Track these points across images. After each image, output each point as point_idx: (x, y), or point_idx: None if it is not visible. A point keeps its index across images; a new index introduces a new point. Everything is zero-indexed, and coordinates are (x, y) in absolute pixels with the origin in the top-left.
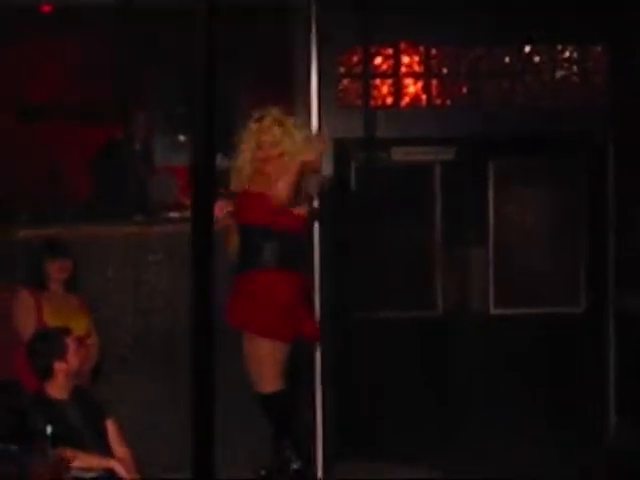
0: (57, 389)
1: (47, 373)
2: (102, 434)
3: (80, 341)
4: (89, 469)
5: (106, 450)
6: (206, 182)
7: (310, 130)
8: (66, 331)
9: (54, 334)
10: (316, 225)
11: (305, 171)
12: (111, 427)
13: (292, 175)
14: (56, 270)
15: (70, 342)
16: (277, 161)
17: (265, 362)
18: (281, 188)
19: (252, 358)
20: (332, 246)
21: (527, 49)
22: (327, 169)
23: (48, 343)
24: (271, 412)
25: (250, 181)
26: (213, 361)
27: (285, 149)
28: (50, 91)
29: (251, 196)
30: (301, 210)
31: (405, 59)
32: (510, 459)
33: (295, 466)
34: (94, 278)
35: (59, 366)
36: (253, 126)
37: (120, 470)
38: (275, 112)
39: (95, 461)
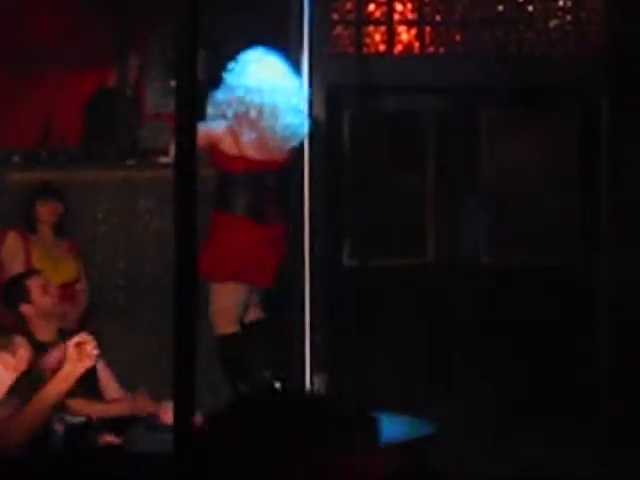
0: (38, 331)
1: (20, 318)
2: (91, 376)
3: (63, 286)
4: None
5: (95, 392)
6: (189, 127)
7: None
8: (30, 273)
9: (17, 279)
10: (307, 173)
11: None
12: (101, 369)
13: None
14: (46, 213)
15: (33, 283)
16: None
17: (219, 305)
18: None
19: (211, 301)
20: (323, 194)
21: None
22: (319, 115)
23: (14, 288)
24: (222, 354)
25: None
26: (196, 307)
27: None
28: (44, 38)
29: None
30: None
31: (398, 6)
32: (500, 411)
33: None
34: (85, 222)
35: (26, 309)
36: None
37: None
38: (249, 54)
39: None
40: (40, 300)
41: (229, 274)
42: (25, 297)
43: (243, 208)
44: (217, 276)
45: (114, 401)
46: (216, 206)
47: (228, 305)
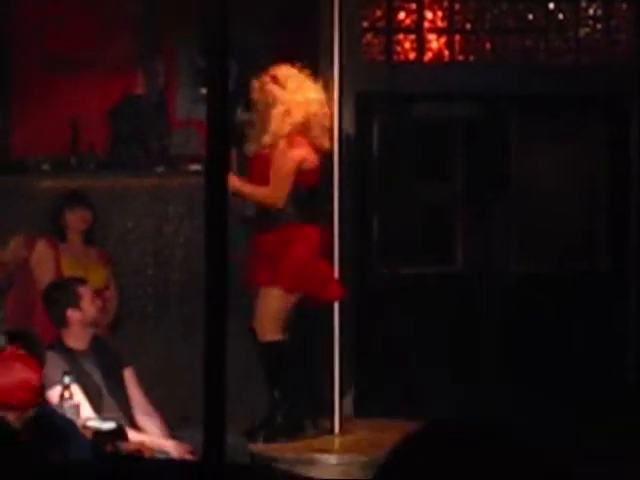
0: (73, 339)
1: (62, 322)
2: (119, 384)
3: (97, 292)
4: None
5: (123, 400)
6: (221, 135)
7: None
8: (81, 281)
9: (68, 283)
10: (337, 180)
11: (311, 127)
12: (128, 376)
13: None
14: (75, 220)
15: (84, 291)
16: (274, 118)
17: (270, 312)
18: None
19: (260, 307)
20: (353, 202)
21: (551, 6)
22: (349, 124)
23: (62, 292)
24: (266, 361)
25: (257, 141)
26: (227, 315)
27: (278, 107)
28: (73, 41)
29: (261, 158)
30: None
31: (428, 14)
32: (532, 416)
33: (279, 418)
34: (114, 230)
35: (73, 315)
36: (254, 83)
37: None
38: (281, 69)
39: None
40: (88, 308)
41: (303, 286)
42: (74, 302)
43: (314, 218)
44: (294, 287)
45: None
46: (293, 220)
47: (278, 312)
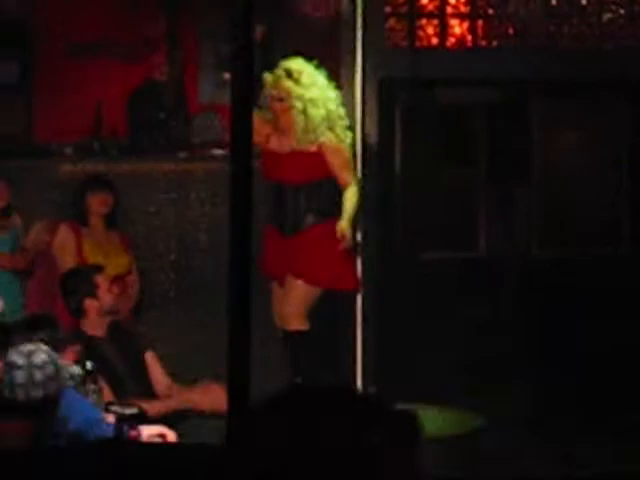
0: (91, 326)
1: (79, 310)
2: (141, 368)
3: (119, 277)
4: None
5: (145, 384)
6: (245, 119)
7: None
8: (97, 268)
9: (85, 271)
10: (360, 166)
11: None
12: (150, 360)
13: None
14: (97, 204)
15: (101, 280)
16: (287, 115)
17: (296, 302)
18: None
19: (287, 297)
20: (376, 188)
21: None
22: (372, 109)
23: (79, 281)
24: (291, 349)
25: (269, 138)
26: (250, 300)
27: (292, 103)
28: (96, 26)
29: (281, 157)
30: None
31: None
32: (551, 406)
33: None
34: (136, 215)
35: (90, 303)
36: (267, 78)
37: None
38: (294, 62)
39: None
40: (105, 297)
41: (327, 279)
42: (91, 291)
43: (336, 210)
44: (319, 281)
45: (166, 397)
46: (327, 215)
47: (304, 302)
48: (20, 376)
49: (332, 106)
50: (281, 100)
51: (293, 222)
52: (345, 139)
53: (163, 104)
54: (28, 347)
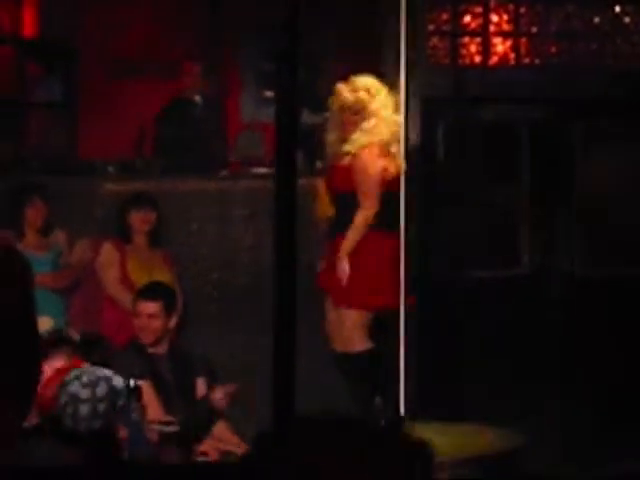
0: (144, 337)
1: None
2: (191, 390)
3: None
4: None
5: (194, 407)
6: (290, 138)
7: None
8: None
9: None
10: (403, 185)
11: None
12: (200, 386)
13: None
14: (140, 221)
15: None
16: (364, 129)
17: (354, 323)
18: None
19: (342, 320)
20: (420, 206)
21: (617, 9)
22: (415, 128)
23: None
24: (362, 370)
25: (337, 150)
26: (295, 317)
27: (369, 118)
28: (138, 45)
29: (341, 167)
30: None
31: (494, 17)
32: (596, 421)
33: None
34: (178, 232)
35: None
36: (341, 89)
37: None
38: (364, 79)
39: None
40: (175, 318)
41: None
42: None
43: (394, 226)
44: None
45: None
46: (378, 228)
47: (362, 320)
48: (84, 410)
49: (395, 128)
50: (356, 113)
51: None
52: (400, 163)
53: (206, 122)
54: (89, 376)
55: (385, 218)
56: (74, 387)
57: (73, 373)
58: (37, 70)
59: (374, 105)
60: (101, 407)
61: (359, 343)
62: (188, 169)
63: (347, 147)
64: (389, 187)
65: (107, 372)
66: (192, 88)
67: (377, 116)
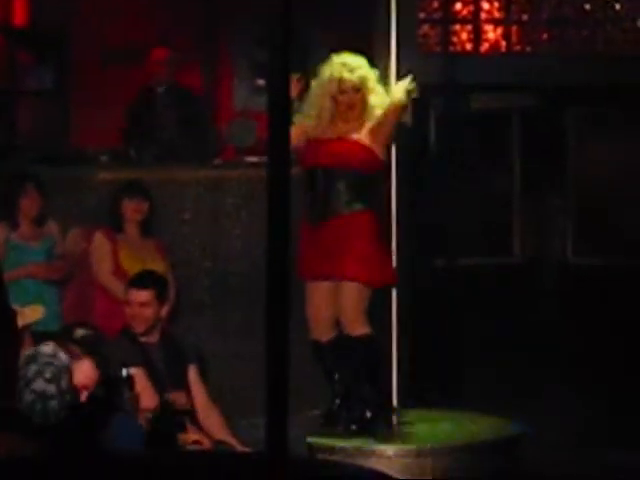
0: (137, 326)
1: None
2: (183, 380)
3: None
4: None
5: (185, 393)
6: (282, 126)
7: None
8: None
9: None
10: (394, 172)
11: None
12: (192, 374)
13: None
14: (132, 211)
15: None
16: (361, 107)
17: (359, 305)
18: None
19: (345, 302)
20: (410, 193)
21: None
22: (406, 115)
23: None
24: (361, 355)
25: (329, 126)
26: (288, 308)
27: (369, 95)
28: (130, 34)
29: (338, 141)
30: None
31: (485, 5)
32: (593, 412)
33: (368, 414)
34: (171, 221)
35: None
36: (335, 63)
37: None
38: (356, 58)
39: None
40: (167, 306)
41: (378, 276)
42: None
43: (379, 205)
44: (372, 280)
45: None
46: (366, 207)
47: (364, 303)
48: (53, 405)
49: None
50: (358, 90)
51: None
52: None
53: (199, 110)
54: (51, 370)
55: (375, 200)
56: (39, 384)
57: (26, 357)
58: (28, 59)
59: (372, 81)
60: (67, 398)
61: (363, 326)
62: (181, 157)
63: (344, 126)
64: (371, 165)
65: (51, 352)
66: (161, 76)
67: (376, 92)
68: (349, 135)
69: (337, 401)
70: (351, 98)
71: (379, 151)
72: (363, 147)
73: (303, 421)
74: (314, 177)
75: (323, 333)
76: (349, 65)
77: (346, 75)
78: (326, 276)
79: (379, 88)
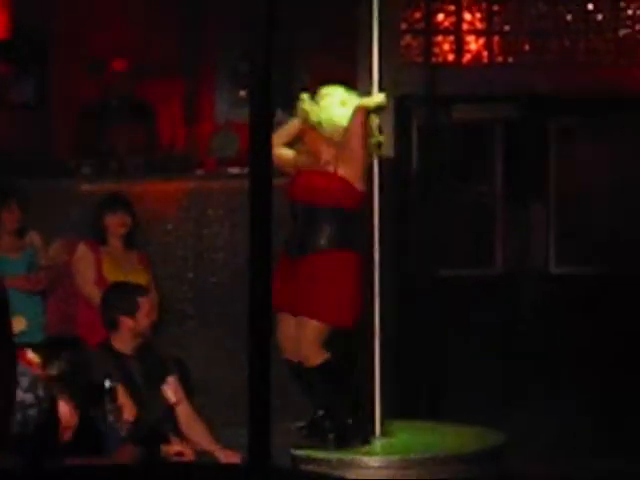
0: (121, 343)
1: (112, 325)
2: (161, 391)
3: (154, 304)
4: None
5: (164, 406)
6: (264, 138)
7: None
8: (143, 290)
9: (130, 289)
10: (376, 182)
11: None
12: (172, 384)
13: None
14: (116, 224)
15: (143, 302)
16: (315, 135)
17: (315, 340)
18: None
19: (301, 336)
20: (393, 204)
21: (590, 7)
22: (388, 126)
23: (122, 298)
24: (325, 380)
25: (299, 159)
26: (270, 321)
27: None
28: (113, 45)
29: (314, 175)
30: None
31: (467, 16)
32: (572, 421)
33: (330, 436)
34: (154, 233)
35: (126, 321)
36: (303, 100)
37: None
38: (325, 90)
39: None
40: (143, 320)
41: (342, 318)
42: (131, 311)
43: (355, 244)
44: (335, 320)
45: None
46: (336, 245)
47: (320, 338)
48: (33, 413)
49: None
50: (305, 122)
51: (304, 245)
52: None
53: (181, 122)
54: (28, 379)
55: (348, 237)
56: (17, 394)
57: None
58: (9, 71)
59: (316, 111)
60: (45, 406)
61: (317, 357)
62: (163, 169)
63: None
64: (353, 202)
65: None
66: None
67: (321, 119)
68: (327, 167)
69: (320, 412)
70: (305, 133)
71: (355, 180)
72: (340, 179)
73: (287, 432)
74: (294, 211)
75: (293, 355)
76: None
77: (305, 107)
78: (291, 311)
79: (332, 116)
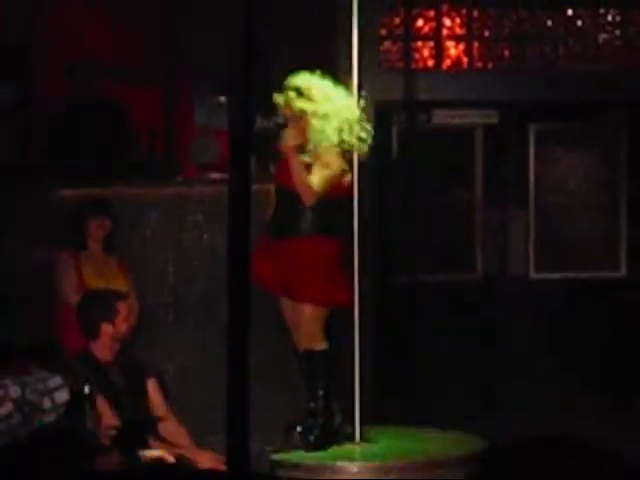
0: (101, 350)
1: (92, 333)
2: (142, 394)
3: (133, 308)
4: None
5: (146, 410)
6: (243, 144)
7: (347, 92)
8: (120, 296)
9: (107, 296)
10: (356, 188)
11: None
12: (151, 387)
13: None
14: (96, 227)
15: (121, 307)
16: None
17: (311, 323)
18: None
19: (298, 320)
20: (373, 209)
21: (569, 12)
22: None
23: (99, 304)
24: (319, 369)
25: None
26: (249, 319)
27: (308, 121)
28: (94, 49)
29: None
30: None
31: (447, 21)
32: (555, 424)
33: (338, 420)
34: (133, 238)
35: (106, 328)
36: (278, 99)
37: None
38: (300, 79)
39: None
40: (122, 324)
41: (331, 299)
42: (110, 317)
43: (338, 231)
44: (324, 302)
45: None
46: (318, 233)
47: (319, 321)
48: (18, 420)
49: (348, 114)
50: (298, 120)
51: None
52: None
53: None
54: (15, 390)
55: (330, 224)
56: (7, 406)
57: None
58: None
59: (311, 105)
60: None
61: (319, 342)
62: (143, 175)
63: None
64: (338, 191)
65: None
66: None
67: (318, 115)
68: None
69: (312, 404)
70: (292, 126)
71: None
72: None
73: (266, 437)
74: (279, 193)
75: (297, 341)
76: (289, 92)
77: (280, 103)
78: (282, 293)
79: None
